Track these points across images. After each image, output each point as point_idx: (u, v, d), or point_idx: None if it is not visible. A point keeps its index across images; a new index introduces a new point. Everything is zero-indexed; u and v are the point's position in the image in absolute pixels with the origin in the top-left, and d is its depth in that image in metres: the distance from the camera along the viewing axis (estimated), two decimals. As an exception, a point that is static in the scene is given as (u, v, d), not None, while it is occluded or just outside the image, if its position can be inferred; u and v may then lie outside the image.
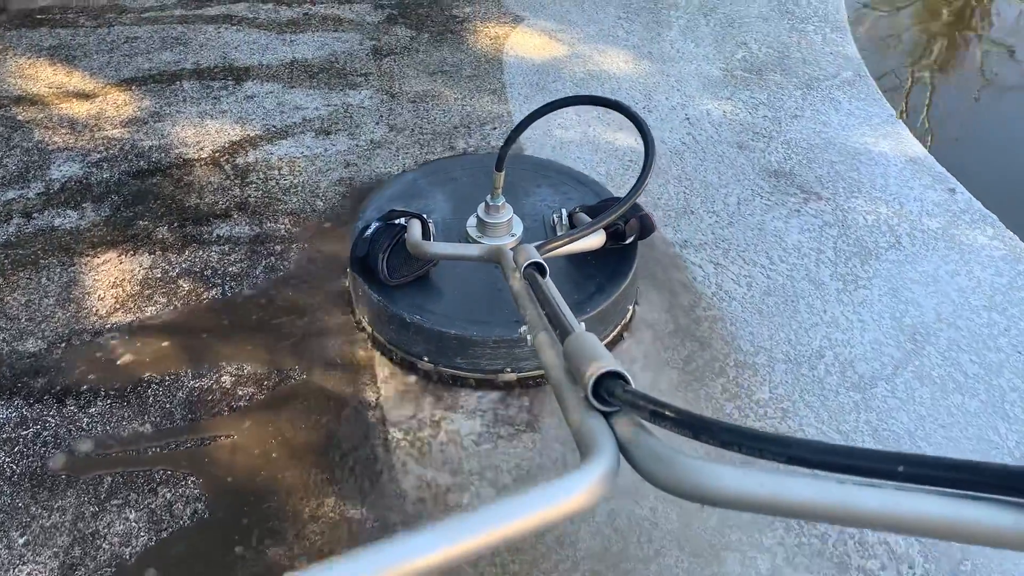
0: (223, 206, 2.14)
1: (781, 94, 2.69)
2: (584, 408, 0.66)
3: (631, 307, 1.91)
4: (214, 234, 2.05)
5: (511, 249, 1.14)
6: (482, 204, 1.84)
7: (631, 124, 1.41)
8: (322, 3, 3.16)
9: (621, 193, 1.88)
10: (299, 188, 2.20)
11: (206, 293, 1.88)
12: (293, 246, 2.02)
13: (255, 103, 2.55)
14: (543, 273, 1.03)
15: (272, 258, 1.98)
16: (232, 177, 2.24)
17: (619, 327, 1.87)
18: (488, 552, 0.59)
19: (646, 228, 1.81)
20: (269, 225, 2.08)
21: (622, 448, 0.61)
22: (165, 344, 1.75)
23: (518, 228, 1.89)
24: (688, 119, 2.55)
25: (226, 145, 2.36)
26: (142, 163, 2.28)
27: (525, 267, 1.04)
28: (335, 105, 2.55)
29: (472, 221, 1.90)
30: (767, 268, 1.99)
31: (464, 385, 1.74)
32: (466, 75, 2.75)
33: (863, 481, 0.48)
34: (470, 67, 2.80)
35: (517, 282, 1.04)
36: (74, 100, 2.55)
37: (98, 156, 2.30)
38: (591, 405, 0.66)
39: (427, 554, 0.50)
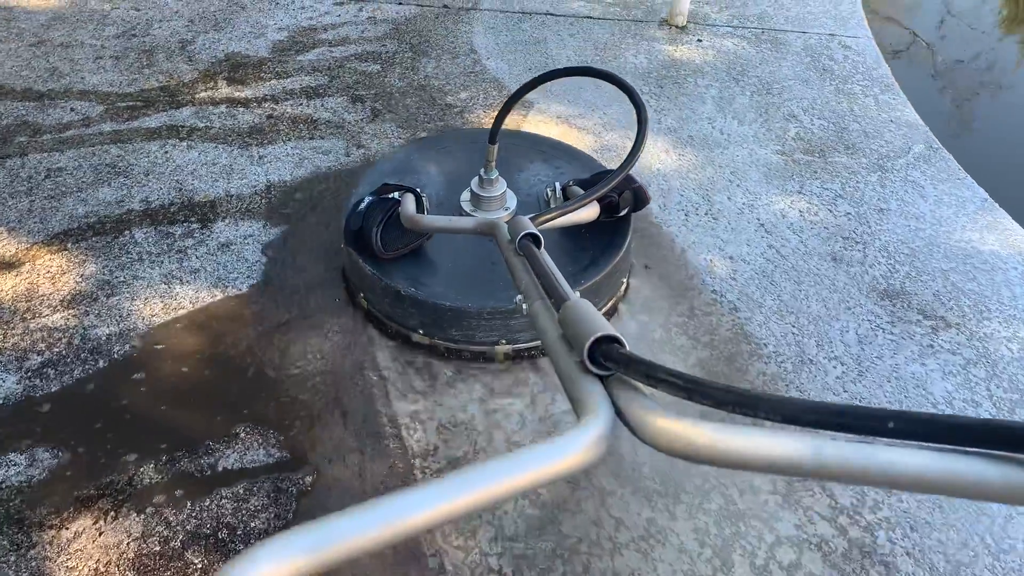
0: (223, 419, 1.71)
1: (856, 181, 2.44)
2: (580, 372, 0.70)
3: (625, 280, 2.02)
4: (219, 467, 1.63)
5: (506, 222, 1.18)
6: (476, 178, 1.93)
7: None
8: (287, 100, 2.73)
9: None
10: (321, 378, 1.80)
11: (228, 569, 1.45)
12: (331, 469, 1.61)
13: (233, 254, 2.12)
14: (538, 244, 1.08)
15: (307, 496, 1.57)
16: (227, 372, 1.81)
17: (613, 300, 1.96)
18: (487, 508, 0.65)
19: (640, 200, 1.87)
20: (292, 441, 1.67)
21: (618, 411, 0.64)
22: (189, 672, 1.33)
23: (512, 202, 1.98)
24: (763, 225, 2.26)
25: (208, 322, 1.93)
26: (100, 363, 1.83)
27: (520, 238, 1.08)
28: (336, 247, 2.15)
29: (466, 195, 1.99)
30: (926, 437, 1.70)
31: (459, 357, 1.84)
32: (486, 187, 2.39)
33: (855, 438, 0.51)
34: (487, 174, 2.43)
35: (512, 253, 1.08)
36: (-9, 272, 2.06)
37: (39, 359, 1.84)
38: (587, 369, 0.69)
39: (428, 509, 0.53)
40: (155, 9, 3.25)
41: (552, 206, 1.92)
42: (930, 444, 0.49)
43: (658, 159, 2.51)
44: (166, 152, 2.48)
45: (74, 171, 2.40)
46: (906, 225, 2.28)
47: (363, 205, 1.83)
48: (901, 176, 2.47)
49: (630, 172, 1.49)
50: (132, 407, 1.74)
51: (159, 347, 1.87)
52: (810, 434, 0.53)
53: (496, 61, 2.99)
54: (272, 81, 2.84)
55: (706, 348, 1.89)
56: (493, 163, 1.87)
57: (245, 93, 2.76)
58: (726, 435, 0.55)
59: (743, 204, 2.35)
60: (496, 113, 1.70)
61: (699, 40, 3.12)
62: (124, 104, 2.68)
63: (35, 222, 2.22)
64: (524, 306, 0.96)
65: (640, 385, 0.66)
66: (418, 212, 1.83)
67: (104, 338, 1.89)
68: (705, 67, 2.98)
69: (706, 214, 2.31)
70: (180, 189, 2.34)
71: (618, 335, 0.70)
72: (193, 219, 2.23)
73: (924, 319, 1.99)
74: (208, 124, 2.61)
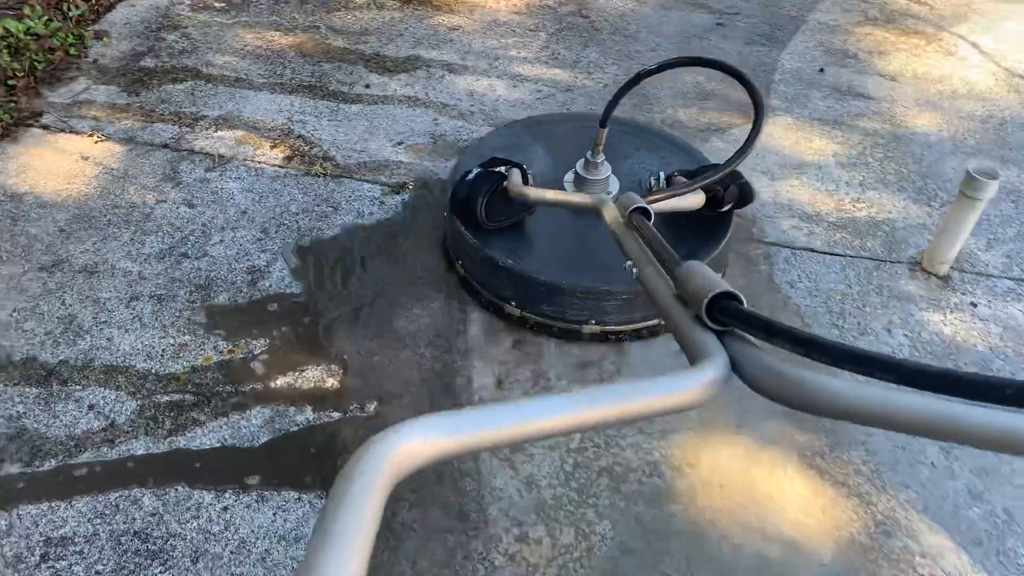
0: None
1: None
2: (696, 326, 0.77)
3: (721, 275, 2.44)
4: None
5: (614, 200, 1.32)
6: (582, 160, 2.16)
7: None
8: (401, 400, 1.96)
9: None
10: None
11: None
12: None
13: None
14: (648, 217, 1.20)
15: None
16: None
17: None
18: (603, 426, 0.70)
19: (745, 196, 2.05)
20: None
21: (733, 363, 0.71)
22: None
23: (614, 187, 2.19)
24: None
25: None
26: None
27: (631, 211, 1.21)
28: None
29: (569, 176, 2.21)
30: None
31: (549, 334, 2.02)
32: None
33: (968, 401, 0.54)
34: None
35: (621, 227, 1.21)
36: None
37: None
38: (704, 324, 0.76)
39: (556, 416, 0.62)
40: (215, 206, 2.51)
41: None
42: None
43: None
44: (226, 510, 1.71)
45: (86, 546, 1.64)
46: None
47: (471, 176, 1.97)
48: None
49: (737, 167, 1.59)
50: None
51: None
52: (927, 397, 0.56)
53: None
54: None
55: None
56: (601, 146, 2.04)
57: (351, 379, 1.99)
58: (843, 389, 0.60)
59: None
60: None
61: (973, 304, 2.32)
62: (165, 399, 1.93)
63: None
64: (635, 271, 1.06)
65: (756, 342, 0.72)
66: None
67: None
68: (996, 360, 2.17)
69: None
70: (246, 600, 1.56)
71: (736, 292, 0.76)
72: None
73: None
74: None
